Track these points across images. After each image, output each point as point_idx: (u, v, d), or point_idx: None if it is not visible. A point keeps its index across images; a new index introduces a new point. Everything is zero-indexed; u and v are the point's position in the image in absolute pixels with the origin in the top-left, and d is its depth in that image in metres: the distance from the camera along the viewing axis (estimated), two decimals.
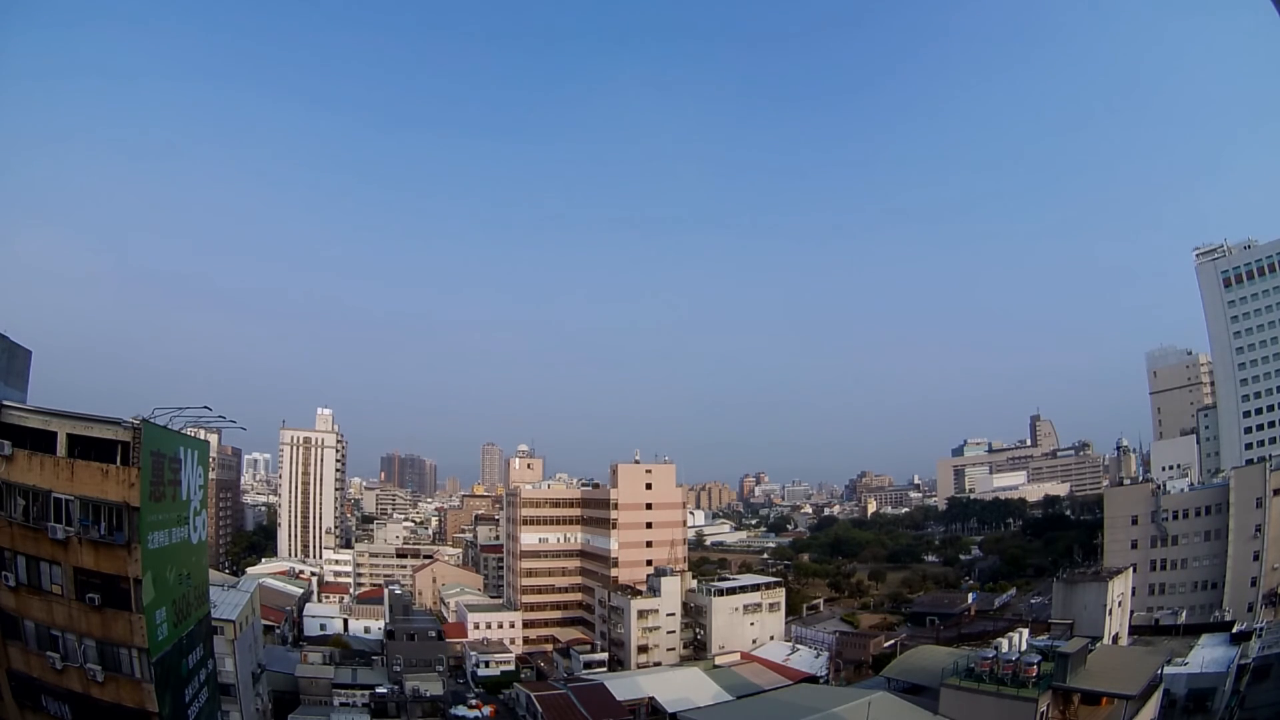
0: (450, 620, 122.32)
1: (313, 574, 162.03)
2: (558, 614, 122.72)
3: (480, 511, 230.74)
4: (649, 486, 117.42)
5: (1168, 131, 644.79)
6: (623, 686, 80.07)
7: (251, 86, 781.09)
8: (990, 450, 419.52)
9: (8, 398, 33.60)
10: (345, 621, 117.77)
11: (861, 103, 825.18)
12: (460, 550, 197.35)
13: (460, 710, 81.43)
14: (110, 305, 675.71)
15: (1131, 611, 77.21)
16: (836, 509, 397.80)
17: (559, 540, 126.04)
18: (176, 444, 36.71)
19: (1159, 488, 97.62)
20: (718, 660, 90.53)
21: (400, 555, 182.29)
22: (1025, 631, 61.16)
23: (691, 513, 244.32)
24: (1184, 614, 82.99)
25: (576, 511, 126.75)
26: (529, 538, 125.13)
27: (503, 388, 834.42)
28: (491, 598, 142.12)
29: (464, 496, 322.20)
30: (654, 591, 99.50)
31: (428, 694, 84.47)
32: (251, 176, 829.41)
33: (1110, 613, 66.91)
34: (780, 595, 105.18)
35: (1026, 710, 43.09)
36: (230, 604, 57.05)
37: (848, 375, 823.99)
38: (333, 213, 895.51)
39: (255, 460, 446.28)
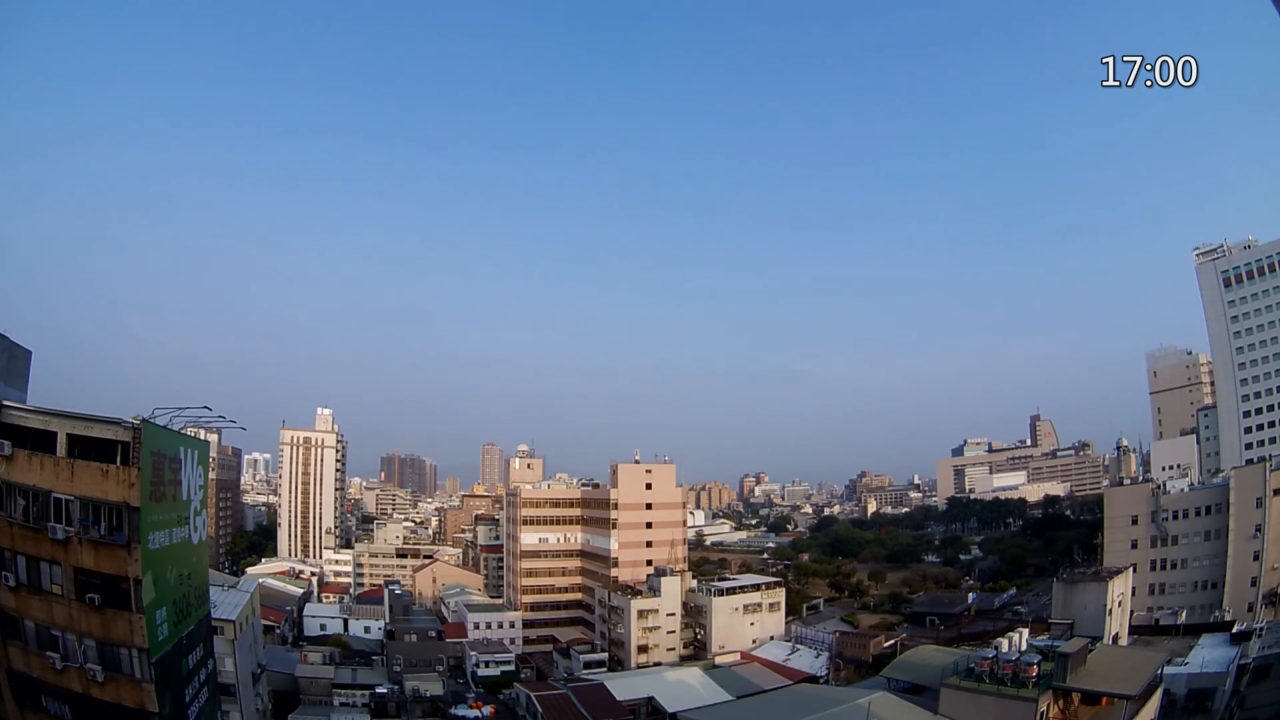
0: (450, 620, 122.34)
1: (313, 574, 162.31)
2: (558, 614, 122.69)
3: (480, 511, 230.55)
4: (649, 486, 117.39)
5: (1167, 130, 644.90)
6: (623, 686, 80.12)
7: (255, 80, 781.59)
8: (990, 450, 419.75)
9: (8, 398, 33.62)
10: (345, 621, 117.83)
11: (857, 103, 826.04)
12: (460, 550, 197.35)
13: (460, 710, 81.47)
14: (110, 305, 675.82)
15: (1131, 611, 77.28)
16: (836, 509, 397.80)
17: (559, 540, 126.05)
18: (176, 444, 36.73)
19: (1159, 488, 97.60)
20: (718, 660, 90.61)
21: (400, 555, 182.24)
22: (1025, 631, 61.28)
23: (691, 513, 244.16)
24: (1184, 614, 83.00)
25: (576, 511, 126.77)
26: (529, 538, 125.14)
27: (503, 388, 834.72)
28: (491, 598, 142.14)
29: (464, 496, 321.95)
30: (654, 591, 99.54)
31: (428, 694, 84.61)
32: (252, 175, 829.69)
33: (1110, 613, 66.98)
34: (780, 595, 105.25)
35: (1026, 710, 43.14)
36: (230, 604, 57.08)
37: (848, 375, 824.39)
38: (332, 211, 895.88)
39: (255, 460, 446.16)
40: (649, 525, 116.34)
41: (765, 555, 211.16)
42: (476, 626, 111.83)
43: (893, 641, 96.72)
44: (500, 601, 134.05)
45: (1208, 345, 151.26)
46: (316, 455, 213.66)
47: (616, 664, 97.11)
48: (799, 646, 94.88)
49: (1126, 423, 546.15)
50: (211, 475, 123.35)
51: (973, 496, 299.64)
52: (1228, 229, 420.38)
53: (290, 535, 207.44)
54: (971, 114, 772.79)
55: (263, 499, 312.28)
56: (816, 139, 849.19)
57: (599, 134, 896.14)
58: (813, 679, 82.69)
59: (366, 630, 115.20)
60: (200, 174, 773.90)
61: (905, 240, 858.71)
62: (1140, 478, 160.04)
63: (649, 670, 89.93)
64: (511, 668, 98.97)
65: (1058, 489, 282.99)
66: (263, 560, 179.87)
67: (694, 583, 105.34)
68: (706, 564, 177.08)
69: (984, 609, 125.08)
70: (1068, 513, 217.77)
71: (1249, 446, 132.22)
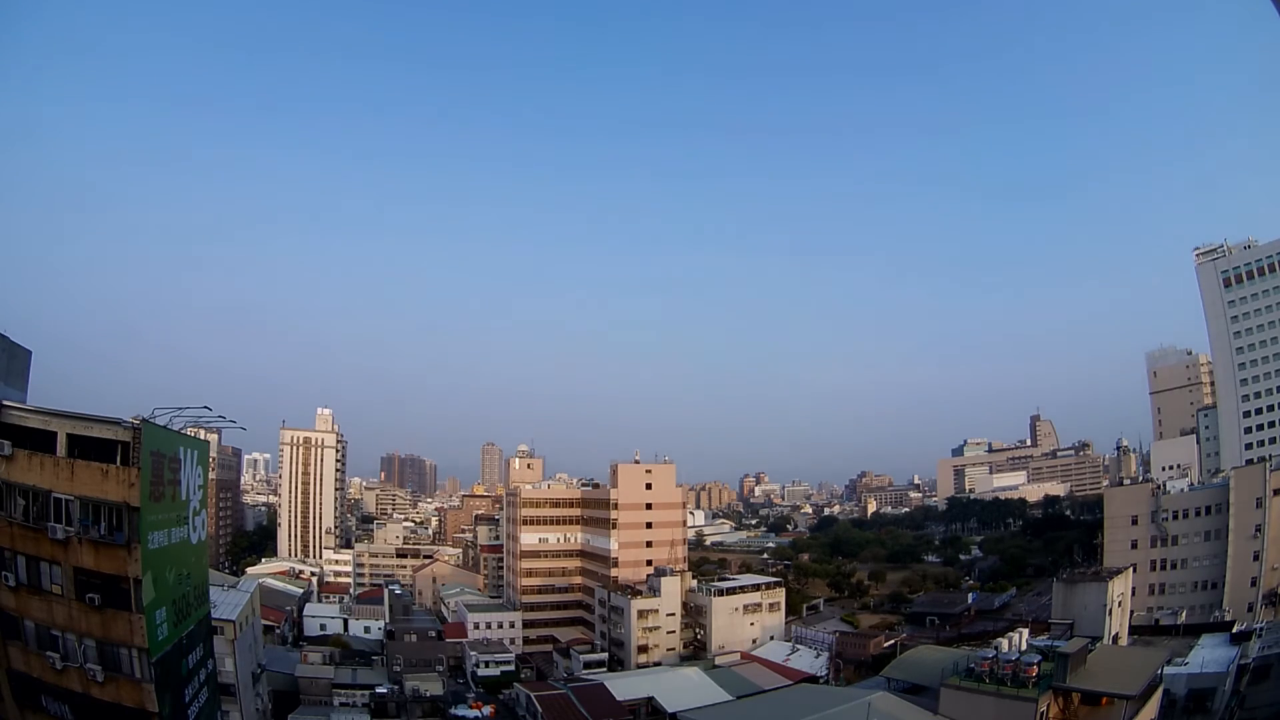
0: (450, 620, 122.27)
1: (313, 574, 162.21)
2: (558, 614, 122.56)
3: (480, 511, 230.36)
4: (649, 486, 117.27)
5: (1168, 130, 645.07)
6: (623, 686, 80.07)
7: (255, 83, 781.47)
8: (990, 450, 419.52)
9: (8, 398, 33.59)
10: (345, 621, 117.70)
11: (859, 104, 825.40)
12: (460, 550, 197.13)
13: (460, 710, 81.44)
14: (111, 304, 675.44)
15: (1131, 611, 77.32)
16: (836, 509, 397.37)
17: (559, 540, 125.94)
18: (176, 444, 36.71)
19: (1159, 488, 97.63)
20: (718, 660, 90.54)
21: (400, 555, 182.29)
22: (1025, 631, 61.33)
23: (691, 513, 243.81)
24: (1184, 614, 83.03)
25: (576, 511, 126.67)
26: (529, 538, 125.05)
27: (503, 388, 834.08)
28: (491, 598, 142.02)
29: (464, 496, 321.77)
30: (654, 591, 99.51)
31: (428, 694, 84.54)
32: (252, 176, 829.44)
33: (1110, 613, 67.02)
34: (780, 595, 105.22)
35: (1026, 710, 43.14)
36: (230, 604, 57.07)
37: (848, 375, 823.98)
38: (330, 212, 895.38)
39: (255, 460, 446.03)
40: (649, 525, 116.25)
41: (765, 555, 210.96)
42: (476, 626, 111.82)
43: (893, 641, 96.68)
44: (500, 601, 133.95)
45: (1208, 345, 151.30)
46: (316, 455, 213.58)
47: (617, 664, 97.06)
48: (799, 646, 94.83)
49: (1126, 423, 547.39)
50: (211, 475, 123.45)
51: (973, 496, 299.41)
52: (1228, 229, 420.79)
53: (290, 535, 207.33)
54: (971, 117, 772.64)
55: (263, 499, 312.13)
56: (817, 140, 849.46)
57: (593, 129, 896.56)
58: (813, 679, 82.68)
59: (366, 630, 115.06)
60: (201, 174, 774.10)
61: (906, 242, 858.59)
62: (1140, 478, 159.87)
63: (649, 670, 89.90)
64: (511, 668, 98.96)
65: (1058, 489, 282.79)
66: (263, 560, 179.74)
67: (694, 583, 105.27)
68: (706, 564, 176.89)
69: (984, 609, 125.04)
70: (1068, 513, 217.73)
71: (1249, 446, 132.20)
